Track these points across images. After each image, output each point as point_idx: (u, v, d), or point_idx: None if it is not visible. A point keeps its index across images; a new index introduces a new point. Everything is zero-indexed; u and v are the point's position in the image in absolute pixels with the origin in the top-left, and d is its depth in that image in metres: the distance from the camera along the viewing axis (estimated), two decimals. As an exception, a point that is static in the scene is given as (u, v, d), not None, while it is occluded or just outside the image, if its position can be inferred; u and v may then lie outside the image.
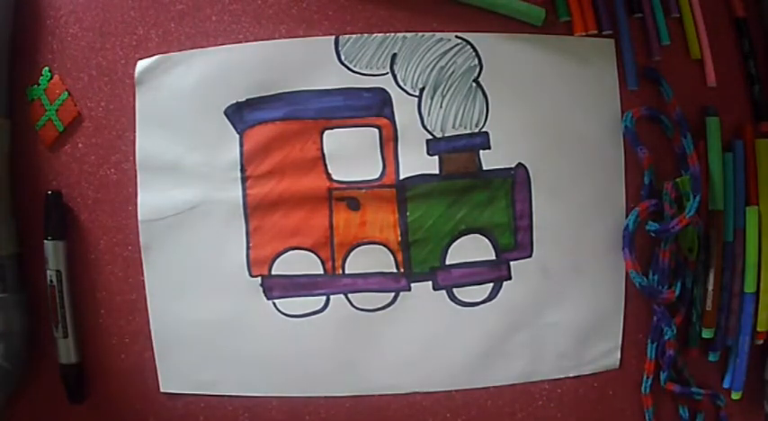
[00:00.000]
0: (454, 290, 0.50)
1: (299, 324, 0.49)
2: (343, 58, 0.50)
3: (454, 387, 0.50)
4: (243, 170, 0.50)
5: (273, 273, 0.49)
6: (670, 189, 0.49)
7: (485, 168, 0.50)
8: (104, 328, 0.51)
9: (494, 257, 0.50)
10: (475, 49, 0.50)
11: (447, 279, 0.49)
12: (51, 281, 0.49)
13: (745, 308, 0.50)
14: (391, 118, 0.49)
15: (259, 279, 0.50)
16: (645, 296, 0.50)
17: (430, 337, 0.50)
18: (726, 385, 0.51)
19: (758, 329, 0.51)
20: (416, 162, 0.49)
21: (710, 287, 0.50)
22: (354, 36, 0.50)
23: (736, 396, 0.50)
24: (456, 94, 0.50)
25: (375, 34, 0.50)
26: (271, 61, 0.50)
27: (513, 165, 0.50)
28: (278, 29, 0.50)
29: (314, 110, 0.49)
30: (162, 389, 0.50)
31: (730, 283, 0.50)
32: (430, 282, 0.49)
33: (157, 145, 0.50)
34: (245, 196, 0.49)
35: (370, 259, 0.49)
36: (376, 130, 0.49)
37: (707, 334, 0.50)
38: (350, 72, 0.49)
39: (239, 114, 0.50)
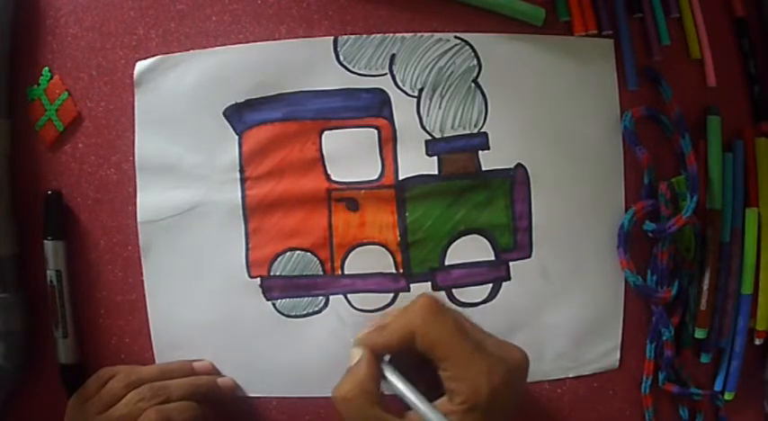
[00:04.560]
0: (453, 290, 0.50)
1: (299, 324, 0.50)
2: (341, 58, 0.49)
3: (454, 387, 0.50)
4: (242, 171, 0.50)
5: (272, 273, 0.50)
6: (665, 189, 0.49)
7: (484, 169, 0.49)
8: (104, 328, 0.51)
9: (493, 258, 0.50)
10: (474, 50, 0.50)
11: (446, 279, 0.49)
12: (51, 281, 0.49)
13: (742, 309, 0.50)
14: (390, 119, 0.49)
15: (258, 280, 0.50)
16: (640, 296, 0.50)
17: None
18: (718, 387, 0.51)
19: (758, 328, 0.51)
20: (415, 162, 0.49)
21: (705, 287, 0.50)
22: (353, 37, 0.50)
23: (729, 396, 0.50)
24: (455, 94, 0.50)
25: (374, 35, 0.50)
26: (269, 62, 0.50)
27: (512, 166, 0.50)
28: (278, 29, 0.50)
29: (313, 111, 0.49)
30: (162, 390, 0.50)
31: (725, 284, 0.50)
32: (429, 283, 0.49)
33: (156, 146, 0.50)
34: (244, 197, 0.49)
35: (369, 260, 0.50)
36: (375, 131, 0.49)
37: (700, 334, 0.50)
38: (349, 73, 0.49)
39: (238, 115, 0.50)
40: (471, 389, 0.37)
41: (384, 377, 0.41)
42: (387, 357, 0.42)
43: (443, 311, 0.40)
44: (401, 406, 0.40)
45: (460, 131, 0.50)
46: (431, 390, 0.40)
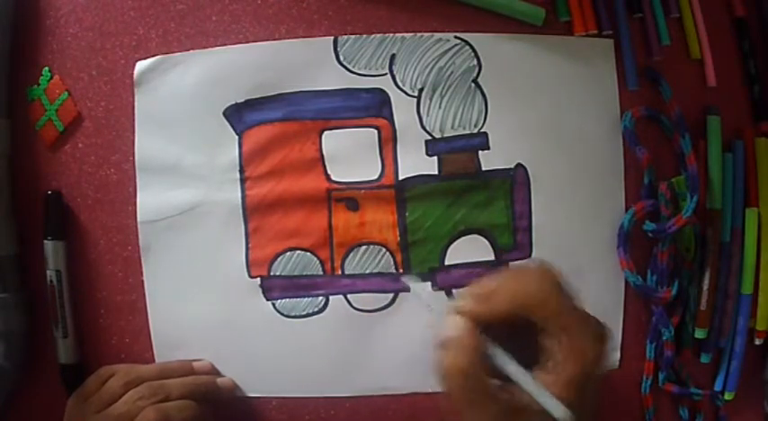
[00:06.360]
0: (453, 290, 0.50)
1: (299, 324, 0.50)
2: (342, 58, 0.49)
3: (454, 387, 0.50)
4: (242, 171, 0.50)
5: (272, 273, 0.50)
6: (665, 189, 0.49)
7: (484, 169, 0.49)
8: (104, 328, 0.51)
9: (493, 258, 0.50)
10: (474, 50, 0.50)
11: (446, 279, 0.49)
12: (51, 281, 0.49)
13: (742, 309, 0.50)
14: (390, 118, 0.49)
15: (258, 280, 0.50)
16: (640, 296, 0.50)
17: (429, 338, 0.49)
18: (718, 387, 0.51)
19: (758, 328, 0.50)
20: (415, 162, 0.49)
21: (705, 287, 0.50)
22: (353, 37, 0.50)
23: (729, 396, 0.50)
24: (455, 94, 0.50)
25: (374, 35, 0.50)
26: (270, 62, 0.50)
27: (512, 166, 0.50)
28: (278, 29, 0.50)
29: (313, 111, 0.49)
30: (162, 390, 0.50)
31: (725, 284, 0.50)
32: (429, 283, 0.49)
33: (157, 146, 0.50)
34: (244, 197, 0.49)
35: (369, 260, 0.50)
36: (375, 131, 0.49)
37: (700, 334, 0.50)
38: (349, 73, 0.49)
39: (238, 115, 0.50)
40: (575, 361, 0.37)
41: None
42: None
43: (560, 282, 0.39)
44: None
45: (460, 131, 0.50)
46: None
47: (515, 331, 0.39)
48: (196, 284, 0.50)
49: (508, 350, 0.38)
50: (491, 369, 0.38)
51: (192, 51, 0.50)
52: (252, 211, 0.50)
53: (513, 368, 0.38)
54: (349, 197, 0.50)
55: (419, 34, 0.50)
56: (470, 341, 0.38)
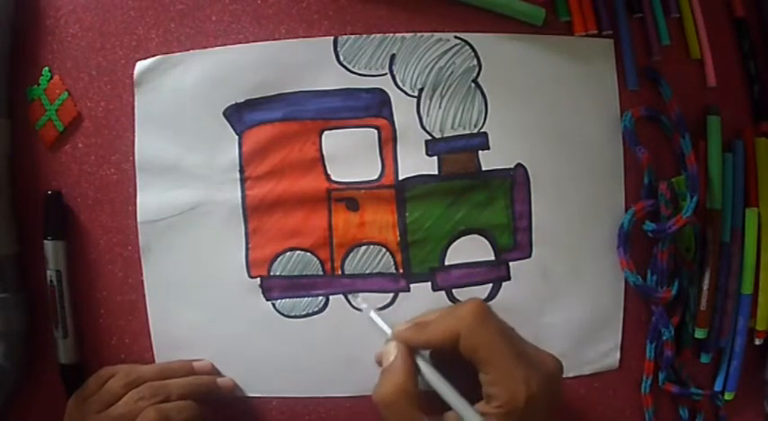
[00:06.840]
0: (453, 290, 0.50)
1: (299, 324, 0.50)
2: (341, 58, 0.50)
3: (454, 387, 0.50)
4: (242, 171, 0.50)
5: (272, 273, 0.50)
6: (665, 189, 0.49)
7: (484, 169, 0.49)
8: (104, 328, 0.51)
9: (493, 258, 0.50)
10: (474, 50, 0.50)
11: (446, 279, 0.49)
12: (51, 281, 0.49)
13: (742, 309, 0.50)
14: (390, 118, 0.49)
15: (258, 280, 0.50)
16: (640, 296, 0.50)
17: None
18: (718, 387, 0.51)
19: (758, 328, 0.51)
20: (415, 162, 0.49)
21: (705, 287, 0.50)
22: (353, 37, 0.50)
23: (729, 396, 0.50)
24: (455, 94, 0.50)
25: (374, 35, 0.50)
26: (270, 62, 0.50)
27: (512, 166, 0.50)
28: (278, 29, 0.50)
29: (313, 111, 0.49)
30: (162, 390, 0.50)
31: (725, 284, 0.50)
32: (429, 283, 0.50)
33: (157, 146, 0.50)
34: (244, 197, 0.49)
35: (369, 260, 0.50)
36: (375, 131, 0.49)
37: (700, 334, 0.50)
38: (349, 73, 0.49)
39: (238, 115, 0.50)
40: (509, 394, 0.38)
41: (419, 372, 0.41)
42: (425, 353, 0.42)
43: (490, 317, 0.41)
44: (437, 405, 0.40)
45: (460, 131, 0.50)
46: (464, 395, 0.40)
47: (457, 370, 0.40)
48: (196, 284, 0.50)
49: (460, 385, 0.40)
50: (434, 402, 0.40)
51: (192, 51, 0.50)
52: (252, 211, 0.50)
53: (445, 391, 0.39)
54: (349, 197, 0.50)
55: (419, 34, 0.50)
56: (403, 369, 0.40)
